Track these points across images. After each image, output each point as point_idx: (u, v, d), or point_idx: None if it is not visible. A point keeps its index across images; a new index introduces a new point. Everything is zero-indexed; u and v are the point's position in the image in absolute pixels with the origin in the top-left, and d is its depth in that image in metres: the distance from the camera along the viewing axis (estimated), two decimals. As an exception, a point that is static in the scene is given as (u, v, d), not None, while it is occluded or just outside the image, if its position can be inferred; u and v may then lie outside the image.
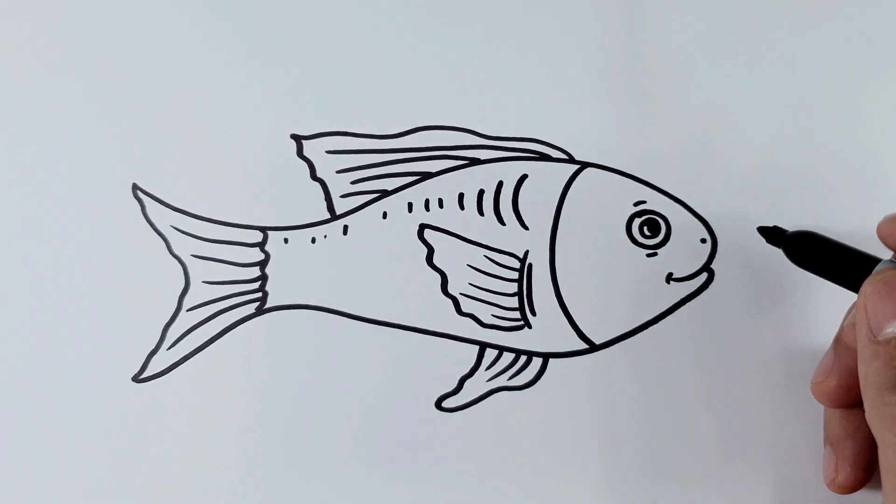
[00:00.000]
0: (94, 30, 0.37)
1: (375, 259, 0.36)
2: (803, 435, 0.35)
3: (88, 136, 0.36)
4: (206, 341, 0.35)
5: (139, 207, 0.36)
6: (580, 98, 0.37)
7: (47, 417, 0.35)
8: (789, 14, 0.37)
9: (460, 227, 0.36)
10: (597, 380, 0.35)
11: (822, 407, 0.33)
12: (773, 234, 0.33)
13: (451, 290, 0.36)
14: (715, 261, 0.36)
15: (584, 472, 0.35)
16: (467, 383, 0.35)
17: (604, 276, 0.36)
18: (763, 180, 0.36)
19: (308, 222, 0.36)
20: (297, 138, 0.36)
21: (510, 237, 0.36)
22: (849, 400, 0.31)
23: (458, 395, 0.35)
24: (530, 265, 0.36)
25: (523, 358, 0.35)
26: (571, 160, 0.36)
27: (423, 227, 0.36)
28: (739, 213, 0.36)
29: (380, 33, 0.37)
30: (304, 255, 0.36)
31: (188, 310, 0.36)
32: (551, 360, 0.35)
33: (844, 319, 0.32)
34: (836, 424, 0.32)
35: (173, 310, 0.35)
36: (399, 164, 0.36)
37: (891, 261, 0.30)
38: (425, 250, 0.36)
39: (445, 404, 0.35)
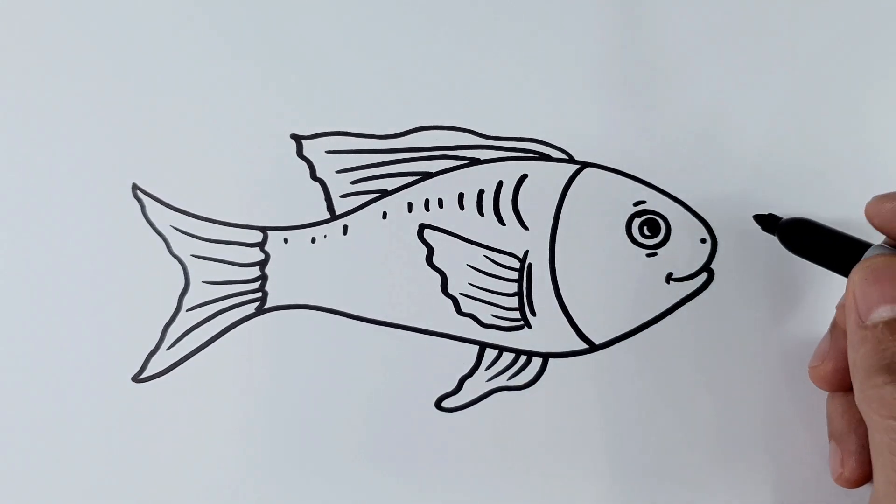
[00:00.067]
0: (93, 30, 0.37)
1: (375, 259, 0.36)
2: (804, 434, 0.35)
3: (88, 137, 0.36)
4: (206, 341, 0.35)
5: (139, 207, 0.36)
6: (580, 98, 0.36)
7: (47, 417, 0.35)
8: (788, 17, 0.37)
9: (460, 227, 0.36)
10: (597, 380, 0.35)
11: (823, 405, 0.33)
12: (768, 222, 0.34)
13: (450, 290, 0.36)
14: (715, 261, 0.36)
15: (584, 472, 0.35)
16: (467, 383, 0.35)
17: (604, 276, 0.36)
18: (763, 180, 0.36)
19: (308, 222, 0.36)
20: (297, 138, 0.36)
21: (510, 237, 0.36)
22: (846, 383, 0.31)
23: (457, 395, 0.35)
24: (530, 265, 0.36)
25: (523, 358, 0.35)
26: (571, 160, 0.36)
27: (422, 227, 0.36)
28: (739, 213, 0.36)
29: (380, 33, 0.37)
30: (304, 255, 0.36)
31: (188, 310, 0.36)
32: (551, 360, 0.35)
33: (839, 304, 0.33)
34: (839, 419, 0.32)
35: (173, 310, 0.35)
36: (399, 164, 0.36)
37: (881, 245, 0.30)
38: (425, 250, 0.36)
39: (445, 404, 0.35)
